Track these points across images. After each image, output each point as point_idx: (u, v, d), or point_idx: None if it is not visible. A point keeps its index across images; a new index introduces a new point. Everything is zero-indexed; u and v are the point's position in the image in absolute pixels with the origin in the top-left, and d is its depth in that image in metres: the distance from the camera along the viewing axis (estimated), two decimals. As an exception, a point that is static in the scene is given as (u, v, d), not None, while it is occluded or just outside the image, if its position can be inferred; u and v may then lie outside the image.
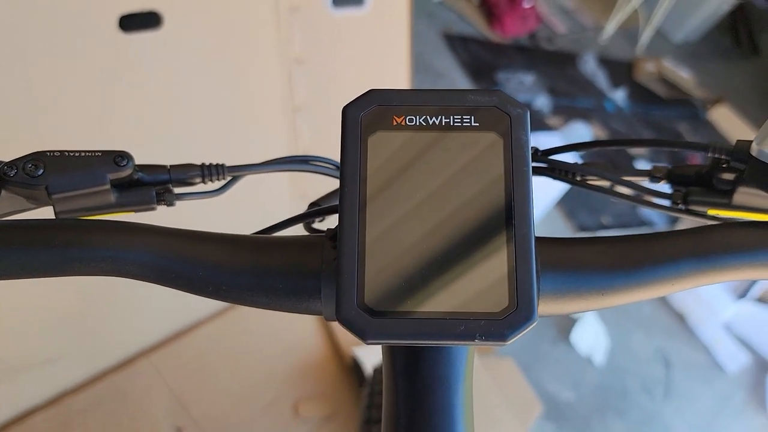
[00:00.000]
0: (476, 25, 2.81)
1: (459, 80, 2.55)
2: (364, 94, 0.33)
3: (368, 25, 1.44)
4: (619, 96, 2.77)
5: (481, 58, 2.67)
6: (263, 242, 0.36)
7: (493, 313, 0.30)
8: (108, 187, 0.40)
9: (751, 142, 0.36)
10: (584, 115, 2.61)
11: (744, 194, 0.41)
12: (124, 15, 1.09)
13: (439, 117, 0.33)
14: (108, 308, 1.35)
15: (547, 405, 1.72)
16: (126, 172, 0.41)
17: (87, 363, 1.36)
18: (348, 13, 1.39)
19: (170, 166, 0.44)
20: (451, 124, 0.33)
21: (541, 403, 1.62)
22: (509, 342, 0.29)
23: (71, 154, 0.40)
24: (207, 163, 0.45)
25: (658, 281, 0.34)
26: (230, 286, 0.35)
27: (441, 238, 0.31)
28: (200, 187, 0.46)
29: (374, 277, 0.30)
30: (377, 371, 1.09)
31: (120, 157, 0.40)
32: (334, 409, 1.44)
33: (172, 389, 1.39)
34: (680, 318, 2.07)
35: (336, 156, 0.49)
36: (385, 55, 1.53)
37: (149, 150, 1.19)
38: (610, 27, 3.02)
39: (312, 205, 0.48)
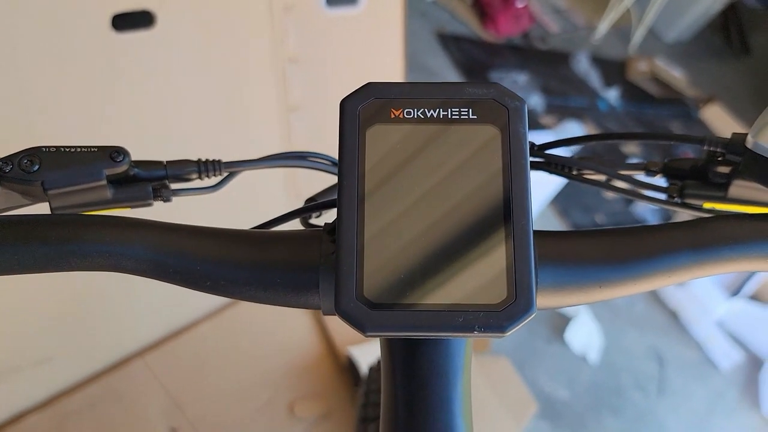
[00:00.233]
0: (469, 24, 2.81)
1: (452, 79, 2.55)
2: (362, 87, 0.33)
3: (362, 24, 1.44)
4: (612, 95, 2.78)
5: (474, 57, 2.68)
6: (261, 237, 0.36)
7: (491, 305, 0.30)
8: (104, 182, 0.40)
9: (747, 135, 0.36)
10: (577, 114, 2.62)
11: (739, 187, 0.41)
12: (117, 14, 1.08)
13: (437, 110, 0.33)
14: (102, 309, 1.35)
15: (542, 403, 1.72)
16: (122, 168, 0.40)
17: (81, 364, 1.35)
18: (342, 12, 1.39)
19: (166, 162, 0.44)
20: (449, 116, 0.33)
21: (536, 401, 1.62)
22: (508, 333, 0.29)
23: (67, 149, 0.40)
24: (203, 159, 0.45)
25: (655, 274, 0.34)
26: (228, 280, 0.35)
27: (439, 230, 0.31)
28: (197, 183, 0.46)
29: (373, 270, 0.30)
30: (373, 370, 1.09)
31: (116, 153, 0.40)
32: (330, 408, 1.44)
33: (167, 390, 1.38)
34: (673, 315, 2.08)
35: (332, 154, 0.49)
36: (378, 54, 1.54)
37: (142, 149, 1.18)
38: (603, 26, 3.03)
39: (308, 200, 0.47)
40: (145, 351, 1.42)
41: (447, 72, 2.57)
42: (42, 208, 0.40)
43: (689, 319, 2.06)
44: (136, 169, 0.42)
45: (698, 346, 2.02)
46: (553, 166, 0.46)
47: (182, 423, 1.35)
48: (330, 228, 0.36)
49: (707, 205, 0.43)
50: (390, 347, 0.35)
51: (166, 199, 0.43)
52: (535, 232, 0.32)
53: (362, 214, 0.31)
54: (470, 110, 0.33)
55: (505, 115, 0.33)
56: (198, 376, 1.42)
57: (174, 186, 0.45)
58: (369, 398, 1.02)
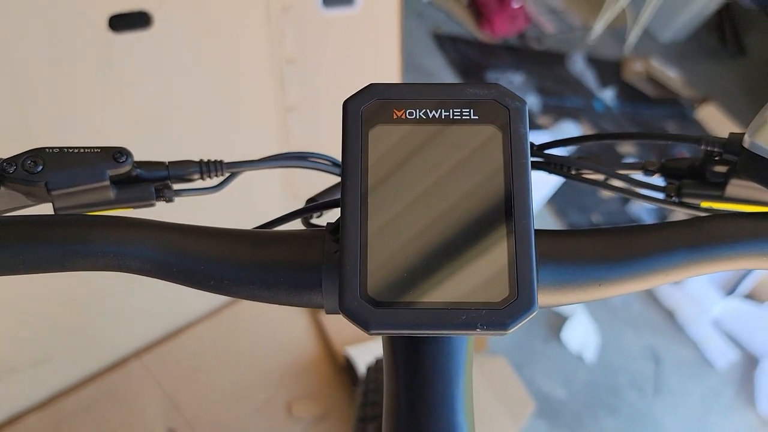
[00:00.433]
0: (465, 25, 2.82)
1: (448, 80, 2.56)
2: (364, 88, 0.34)
3: (359, 24, 1.44)
4: (608, 95, 2.79)
5: (470, 57, 2.68)
6: (264, 236, 0.36)
7: (493, 302, 0.30)
8: (107, 183, 0.40)
9: (743, 134, 0.37)
10: (573, 114, 2.63)
11: (736, 186, 0.42)
12: (114, 15, 1.08)
13: (439, 110, 0.33)
14: (99, 310, 1.35)
15: (540, 402, 1.72)
16: (125, 169, 0.41)
17: (79, 364, 1.35)
18: (339, 12, 1.39)
19: (168, 162, 0.44)
20: (451, 117, 0.33)
21: (533, 400, 1.62)
22: (510, 331, 0.30)
23: (70, 150, 0.40)
24: (205, 160, 0.45)
25: (654, 272, 0.34)
26: (231, 280, 0.35)
27: (442, 229, 0.31)
28: (198, 184, 0.46)
29: (377, 269, 0.31)
30: (371, 370, 1.09)
31: (119, 154, 0.40)
32: (328, 408, 1.44)
33: (164, 390, 1.38)
34: (669, 315, 2.09)
35: (329, 154, 0.50)
36: (375, 55, 1.54)
37: (140, 150, 1.18)
38: (598, 27, 3.04)
39: (309, 200, 0.48)
40: (142, 351, 1.42)
41: (443, 72, 2.58)
42: (45, 209, 0.40)
43: (685, 319, 2.06)
44: (138, 170, 0.43)
45: (694, 345, 2.03)
46: (552, 165, 0.47)
47: (180, 423, 1.35)
48: (332, 227, 0.36)
49: (704, 204, 0.44)
50: (392, 345, 0.35)
51: (169, 200, 0.43)
52: (535, 230, 0.33)
53: (365, 213, 0.32)
54: (471, 111, 0.33)
55: (506, 115, 0.33)
56: (195, 377, 1.42)
57: (176, 186, 0.45)
58: (367, 398, 1.03)
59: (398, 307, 0.30)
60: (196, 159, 0.45)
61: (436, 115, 0.33)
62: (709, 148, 0.42)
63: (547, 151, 0.48)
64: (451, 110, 0.33)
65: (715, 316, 2.08)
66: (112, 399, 1.35)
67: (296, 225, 0.44)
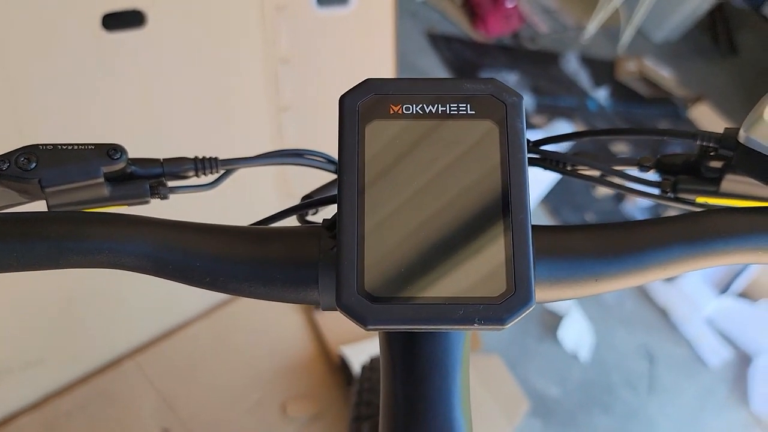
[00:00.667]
0: (459, 24, 2.82)
1: (443, 80, 2.55)
2: (361, 83, 0.34)
3: (353, 24, 1.44)
4: (602, 95, 2.79)
5: (464, 57, 2.69)
6: (260, 233, 0.36)
7: (491, 297, 0.30)
8: (102, 180, 0.40)
9: (739, 129, 0.37)
10: (567, 113, 2.63)
11: (731, 181, 0.42)
12: (108, 14, 1.08)
13: (436, 105, 0.33)
14: (93, 310, 1.34)
15: (534, 401, 1.73)
16: (119, 165, 0.40)
17: (73, 365, 1.34)
18: (333, 12, 1.39)
19: (163, 159, 0.44)
20: (448, 112, 0.33)
21: (528, 399, 1.63)
22: (507, 326, 0.30)
23: (64, 147, 0.39)
24: (200, 157, 0.45)
25: (650, 267, 0.34)
26: (228, 276, 0.35)
27: (439, 224, 0.31)
28: (193, 181, 0.46)
29: (374, 264, 0.31)
30: (366, 368, 1.09)
31: (113, 150, 0.40)
32: (322, 408, 1.44)
33: (158, 390, 1.38)
34: (663, 313, 2.09)
35: (324, 153, 0.50)
36: (370, 54, 1.54)
37: (134, 148, 1.17)
38: (592, 26, 3.04)
39: (305, 198, 0.48)
40: (136, 352, 1.42)
41: (437, 72, 2.58)
42: (39, 206, 0.40)
43: (679, 317, 2.07)
44: (133, 167, 0.43)
45: (688, 343, 2.04)
46: (548, 162, 0.47)
47: (174, 423, 1.35)
48: (329, 224, 0.36)
49: (700, 200, 0.44)
50: (389, 341, 0.35)
51: (164, 197, 0.43)
52: (532, 226, 0.33)
53: (362, 209, 0.31)
54: (468, 106, 0.33)
55: (502, 110, 0.33)
56: (190, 377, 1.42)
57: (171, 183, 0.45)
58: (362, 397, 1.02)
59: (395, 303, 0.30)
60: (195, 155, 0.45)
61: (433, 110, 0.33)
62: (704, 144, 0.42)
63: (542, 148, 0.48)
64: (447, 105, 0.33)
65: (709, 315, 2.09)
66: (107, 399, 1.34)
67: (291, 222, 0.44)
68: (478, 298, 0.30)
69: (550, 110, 2.61)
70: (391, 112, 0.33)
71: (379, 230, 0.31)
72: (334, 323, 1.53)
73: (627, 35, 3.08)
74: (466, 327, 0.30)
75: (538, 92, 2.66)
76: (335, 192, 0.47)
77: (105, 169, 0.40)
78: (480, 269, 0.31)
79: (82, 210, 0.41)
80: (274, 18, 1.28)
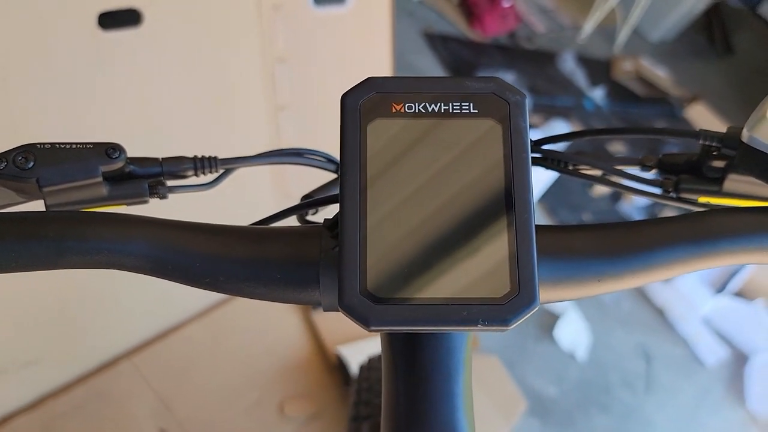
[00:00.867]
0: (456, 24, 2.82)
1: (440, 79, 2.55)
2: (362, 81, 0.33)
3: (350, 23, 1.44)
4: (598, 94, 2.79)
5: (461, 56, 2.68)
6: (261, 233, 0.36)
7: (495, 298, 0.30)
8: (100, 179, 0.39)
9: (742, 129, 0.37)
10: (564, 113, 2.63)
11: (734, 181, 0.42)
12: (104, 12, 1.08)
13: (438, 104, 0.33)
14: (89, 310, 1.34)
15: (532, 401, 1.73)
16: (118, 165, 0.40)
17: (69, 365, 1.34)
18: (330, 11, 1.39)
19: (162, 158, 0.44)
20: (450, 111, 0.33)
21: (525, 399, 1.63)
22: (512, 326, 0.29)
23: (62, 146, 0.39)
24: (199, 156, 0.45)
25: (653, 267, 0.34)
26: (228, 277, 0.34)
27: (442, 224, 0.31)
28: (192, 180, 0.46)
29: (376, 264, 0.30)
30: (363, 368, 1.09)
31: (112, 149, 0.40)
32: (320, 407, 1.44)
33: (155, 391, 1.37)
34: (660, 313, 2.09)
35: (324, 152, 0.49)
36: (367, 53, 1.54)
37: (130, 148, 1.16)
38: (588, 26, 3.05)
39: (305, 197, 0.47)
40: (133, 352, 1.41)
41: (434, 71, 2.58)
42: (36, 206, 0.40)
43: (676, 317, 2.07)
44: (131, 166, 0.42)
45: (685, 343, 2.04)
46: (549, 161, 0.47)
47: (171, 424, 1.34)
48: (330, 223, 0.36)
49: (702, 200, 0.44)
50: (391, 342, 0.35)
51: (163, 196, 0.43)
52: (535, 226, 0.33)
53: (364, 208, 0.31)
54: (471, 104, 0.33)
55: (505, 108, 0.33)
56: (187, 377, 1.42)
57: (170, 183, 0.44)
58: (360, 397, 1.02)
59: (398, 303, 0.30)
60: (194, 154, 0.45)
61: (435, 109, 0.33)
62: (707, 143, 0.42)
63: (543, 147, 0.48)
64: (450, 104, 0.33)
65: (705, 314, 2.09)
66: (103, 400, 1.34)
67: (291, 222, 0.44)
68: (482, 298, 0.30)
69: (546, 110, 2.61)
70: (393, 110, 0.33)
71: (381, 230, 0.31)
72: (331, 323, 1.53)
73: (623, 35, 3.08)
74: (470, 328, 0.30)
75: (534, 92, 2.66)
76: (336, 191, 0.47)
77: (103, 169, 0.39)
78: (483, 270, 0.30)
79: (80, 210, 0.40)
80: (271, 17, 1.28)
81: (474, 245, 0.31)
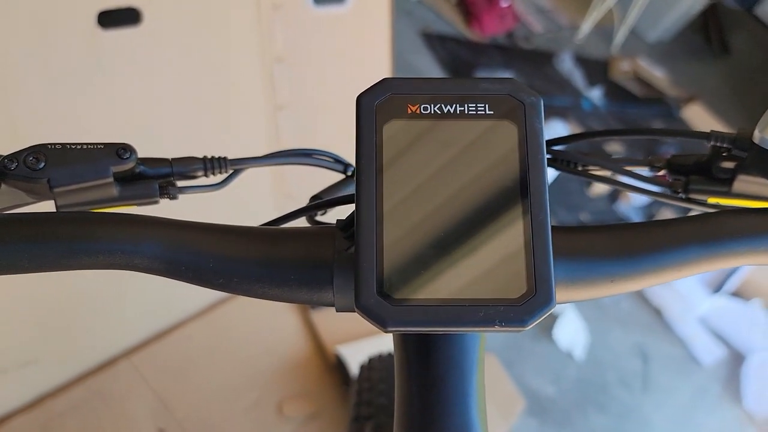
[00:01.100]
0: (454, 23, 2.82)
1: (437, 79, 2.55)
2: (378, 82, 0.33)
3: (349, 23, 1.44)
4: (596, 94, 2.80)
5: (459, 56, 2.69)
6: (274, 234, 0.36)
7: (511, 299, 0.30)
8: (111, 180, 0.39)
9: (753, 130, 0.37)
10: (561, 113, 2.64)
11: (743, 182, 0.42)
12: (103, 11, 1.07)
13: (454, 105, 0.33)
14: (88, 310, 1.33)
15: (530, 400, 1.73)
16: (129, 165, 0.40)
17: (67, 365, 1.33)
18: (329, 10, 1.38)
19: (172, 159, 0.44)
20: (466, 112, 0.33)
21: (523, 398, 1.63)
22: (528, 327, 0.29)
23: (73, 146, 0.39)
24: (209, 156, 0.45)
25: (665, 268, 0.34)
26: (241, 277, 0.34)
27: (458, 225, 0.31)
28: (201, 181, 0.46)
29: (393, 265, 0.30)
30: (364, 368, 1.09)
31: (123, 150, 0.40)
32: (319, 407, 1.44)
33: (154, 390, 1.37)
34: (657, 313, 2.10)
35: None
36: (366, 53, 1.53)
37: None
38: (586, 26, 3.05)
39: (314, 198, 0.47)
40: (131, 352, 1.41)
41: (433, 71, 2.58)
42: (46, 207, 0.40)
43: (673, 317, 2.08)
44: (141, 167, 0.42)
45: (681, 342, 2.05)
46: (559, 162, 0.47)
47: (170, 423, 1.34)
48: (344, 224, 0.35)
49: (711, 200, 0.44)
50: (405, 342, 0.35)
51: (173, 197, 0.43)
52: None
53: (381, 210, 0.31)
54: (487, 106, 0.33)
55: (521, 110, 0.33)
56: (185, 377, 1.41)
57: (180, 183, 0.44)
58: (362, 397, 1.02)
59: (415, 304, 0.30)
60: (203, 155, 0.45)
61: (451, 110, 0.33)
62: (717, 144, 0.42)
63: (554, 148, 0.48)
64: (466, 105, 0.33)
65: (702, 314, 2.10)
66: (102, 399, 1.33)
67: (297, 223, 0.44)
68: (498, 299, 0.30)
69: (544, 109, 2.62)
70: (409, 112, 0.33)
71: (397, 231, 0.31)
72: (330, 323, 1.53)
73: (621, 35, 3.09)
74: (487, 329, 0.30)
75: (532, 92, 2.66)
76: (345, 192, 0.47)
77: (114, 169, 0.39)
78: (500, 270, 0.30)
79: (91, 210, 0.40)
80: (270, 16, 1.28)
81: (490, 246, 0.31)
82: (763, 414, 1.92)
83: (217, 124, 1.32)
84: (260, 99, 1.35)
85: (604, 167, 0.46)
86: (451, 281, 0.30)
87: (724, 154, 0.42)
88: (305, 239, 0.35)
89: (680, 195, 0.45)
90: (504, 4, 2.80)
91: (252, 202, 1.45)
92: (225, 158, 0.45)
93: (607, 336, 1.99)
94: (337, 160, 0.49)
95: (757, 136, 0.36)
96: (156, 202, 0.42)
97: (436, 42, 2.69)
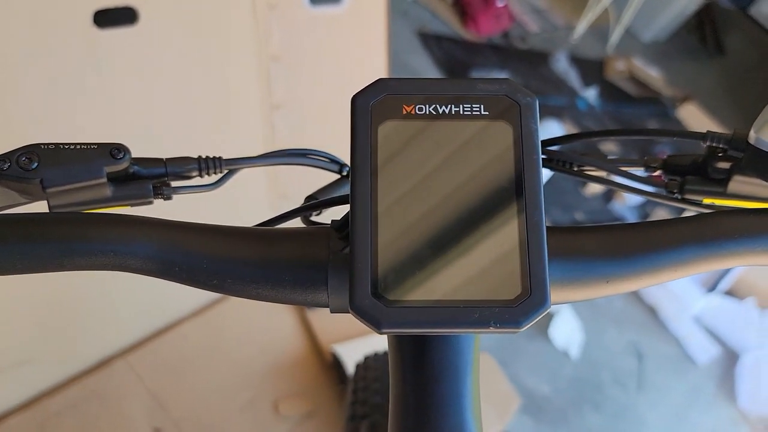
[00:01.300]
0: (450, 23, 2.82)
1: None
2: (373, 82, 0.33)
3: (346, 22, 1.43)
4: (591, 94, 2.80)
5: (455, 56, 2.69)
6: (268, 234, 0.36)
7: (506, 300, 0.30)
8: (104, 180, 0.39)
9: (749, 131, 0.37)
10: (557, 113, 2.64)
11: (739, 182, 0.42)
12: (99, 10, 1.07)
13: (449, 106, 0.33)
14: (84, 309, 1.33)
15: (525, 398, 1.73)
16: (122, 165, 0.40)
17: (63, 364, 1.33)
18: (325, 10, 1.38)
19: (166, 159, 0.43)
20: (461, 112, 0.33)
21: (519, 397, 1.63)
22: (523, 328, 0.29)
23: (66, 146, 0.38)
24: (204, 156, 0.44)
25: (660, 268, 0.34)
26: (235, 278, 0.34)
27: (453, 226, 0.31)
28: (196, 181, 0.46)
29: (387, 267, 0.30)
30: (360, 367, 1.09)
31: (116, 150, 0.39)
32: (315, 406, 1.44)
33: (149, 390, 1.37)
34: (652, 312, 2.11)
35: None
36: (362, 53, 1.53)
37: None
38: (581, 26, 3.05)
39: (309, 198, 0.47)
40: (127, 351, 1.41)
41: (428, 71, 2.58)
42: (39, 207, 0.39)
43: (667, 316, 2.08)
44: (135, 167, 0.42)
45: (676, 341, 2.05)
46: (554, 162, 0.47)
47: (166, 423, 1.34)
48: (338, 225, 0.35)
49: (707, 201, 0.44)
50: (399, 344, 0.35)
51: (167, 197, 0.43)
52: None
53: (375, 210, 0.31)
54: (482, 106, 0.33)
55: (516, 111, 0.33)
56: (181, 376, 1.41)
57: (174, 183, 0.44)
58: (357, 396, 1.02)
59: (410, 306, 0.30)
60: (198, 155, 0.45)
61: (446, 111, 0.33)
62: (713, 144, 0.42)
63: (550, 148, 0.48)
64: (461, 106, 0.33)
65: (697, 313, 2.11)
66: (98, 399, 1.33)
67: (292, 223, 0.44)
68: (493, 300, 0.30)
69: (540, 109, 2.61)
70: (404, 112, 0.33)
71: (392, 232, 0.31)
72: (326, 322, 1.53)
73: (616, 35, 3.09)
74: (482, 330, 0.30)
75: (528, 91, 2.67)
76: (341, 192, 0.47)
77: (108, 169, 0.39)
78: (494, 272, 0.30)
79: (84, 211, 0.40)
80: (266, 16, 1.27)
81: (485, 247, 0.31)
82: (757, 413, 1.93)
83: (213, 123, 1.32)
84: (256, 99, 1.35)
85: (599, 167, 0.46)
86: (446, 282, 0.30)
87: (719, 155, 0.42)
88: (300, 240, 0.35)
89: (676, 195, 0.45)
90: (499, 4, 2.80)
91: (247, 202, 1.44)
92: (220, 158, 0.44)
93: (602, 335, 2.00)
94: (333, 160, 0.49)
95: (752, 136, 0.36)
96: (150, 203, 0.42)
97: (432, 42, 2.69)
